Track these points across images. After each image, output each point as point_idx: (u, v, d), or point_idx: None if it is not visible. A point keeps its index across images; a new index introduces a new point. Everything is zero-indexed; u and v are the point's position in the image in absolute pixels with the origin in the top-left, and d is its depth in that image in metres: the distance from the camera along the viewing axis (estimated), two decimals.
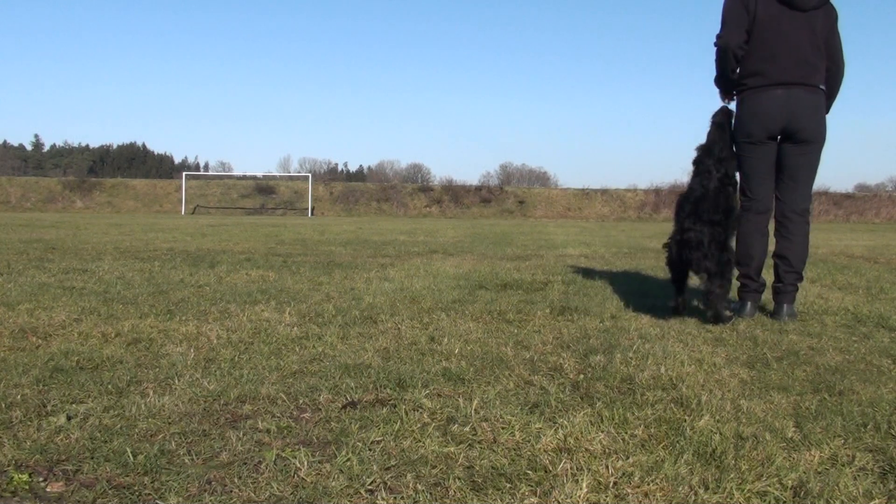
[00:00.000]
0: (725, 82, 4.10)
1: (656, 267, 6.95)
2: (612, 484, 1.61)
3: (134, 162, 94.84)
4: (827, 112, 4.07)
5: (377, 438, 1.88)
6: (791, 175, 3.96)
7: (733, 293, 4.08)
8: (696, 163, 3.93)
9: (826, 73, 3.97)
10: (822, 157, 4.01)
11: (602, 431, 1.94)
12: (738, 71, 4.04)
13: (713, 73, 4.16)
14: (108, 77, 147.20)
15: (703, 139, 4.02)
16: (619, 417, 2.04)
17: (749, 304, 4.03)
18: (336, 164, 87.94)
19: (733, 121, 4.07)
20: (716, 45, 4.00)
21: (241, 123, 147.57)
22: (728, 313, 3.72)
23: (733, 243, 3.90)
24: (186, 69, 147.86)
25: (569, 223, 28.60)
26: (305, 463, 1.70)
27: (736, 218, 3.88)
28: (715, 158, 3.84)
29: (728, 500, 1.56)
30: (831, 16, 3.96)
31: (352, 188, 43.44)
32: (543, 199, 41.67)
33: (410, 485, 1.60)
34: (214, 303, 4.08)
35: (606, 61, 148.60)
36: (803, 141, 3.90)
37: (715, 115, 4.05)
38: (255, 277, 5.47)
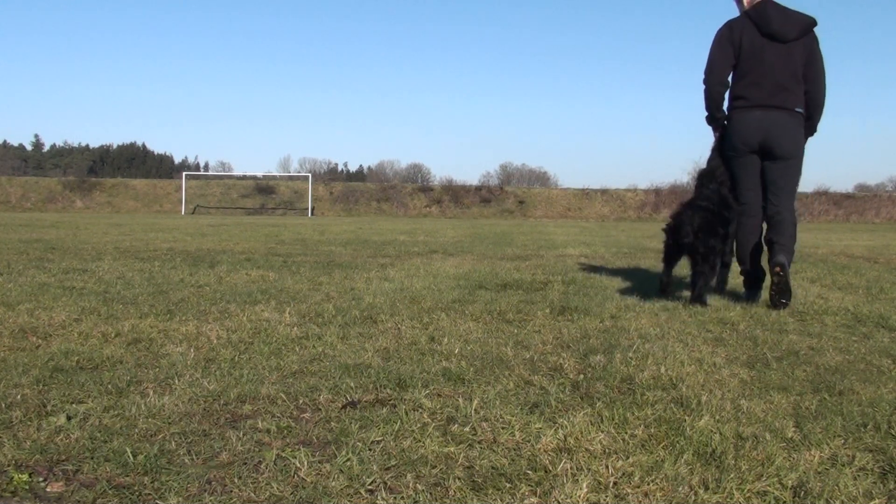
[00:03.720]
0: (714, 120, 4.63)
1: (656, 267, 6.95)
2: (612, 484, 1.61)
3: (134, 162, 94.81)
4: (814, 130, 4.57)
5: (377, 438, 1.88)
6: (774, 187, 4.45)
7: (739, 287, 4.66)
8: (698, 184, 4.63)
9: (807, 97, 4.44)
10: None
11: (602, 431, 1.94)
12: (723, 108, 4.58)
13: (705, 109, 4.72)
14: (108, 77, 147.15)
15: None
16: (619, 417, 2.04)
17: (754, 292, 4.53)
18: (336, 164, 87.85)
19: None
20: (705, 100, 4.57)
21: (241, 123, 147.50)
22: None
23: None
24: (186, 69, 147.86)
25: (569, 223, 28.60)
26: (305, 463, 1.70)
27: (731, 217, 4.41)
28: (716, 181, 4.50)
29: (728, 500, 1.56)
30: (810, 44, 4.40)
31: (352, 188, 43.45)
32: (543, 199, 41.68)
33: (410, 485, 1.60)
34: (214, 303, 4.08)
35: (606, 61, 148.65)
36: (780, 157, 4.40)
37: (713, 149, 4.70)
38: (255, 277, 5.47)
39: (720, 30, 4.51)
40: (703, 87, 4.55)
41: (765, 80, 4.35)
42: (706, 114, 4.64)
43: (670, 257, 4.43)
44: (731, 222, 4.38)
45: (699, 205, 4.34)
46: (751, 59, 4.38)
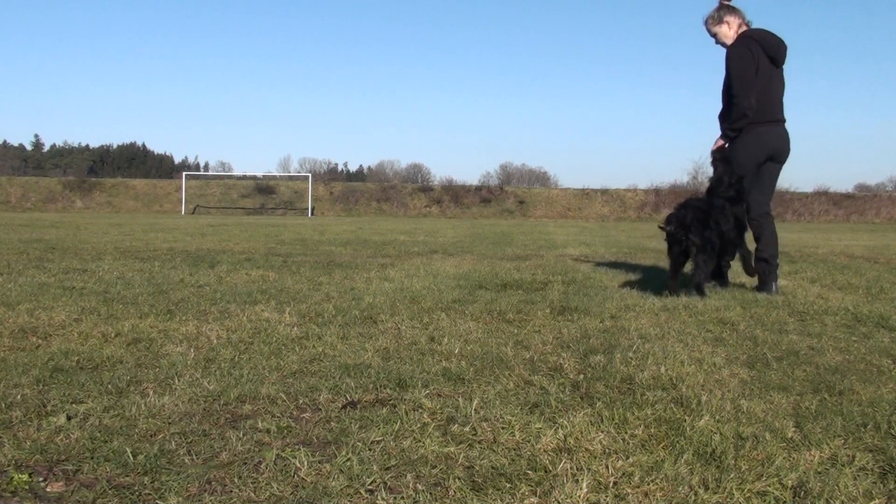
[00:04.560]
0: (737, 130, 5.05)
1: (656, 267, 6.95)
2: (612, 484, 1.61)
3: (134, 162, 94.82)
4: None
5: (377, 438, 1.88)
6: (765, 184, 5.12)
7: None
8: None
9: None
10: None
11: (602, 431, 1.94)
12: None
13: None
14: (108, 77, 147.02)
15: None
16: (619, 417, 2.04)
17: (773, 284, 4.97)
18: (336, 164, 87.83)
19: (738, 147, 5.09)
20: (743, 111, 4.92)
21: (241, 123, 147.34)
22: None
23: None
24: (186, 69, 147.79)
25: (569, 223, 28.61)
26: (305, 463, 1.70)
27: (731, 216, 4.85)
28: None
29: (728, 500, 1.56)
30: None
31: (352, 188, 43.45)
32: (543, 199, 41.67)
33: (410, 485, 1.60)
34: (214, 303, 4.08)
35: (606, 61, 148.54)
36: (780, 162, 5.14)
37: (715, 153, 5.14)
38: (255, 277, 5.47)
39: (739, 49, 4.98)
40: (735, 100, 4.92)
41: (772, 98, 5.00)
42: (731, 124, 5.00)
43: (676, 261, 4.76)
44: (728, 222, 4.81)
45: (694, 206, 4.80)
46: (763, 78, 4.95)
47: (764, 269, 4.94)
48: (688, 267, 4.80)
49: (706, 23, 5.22)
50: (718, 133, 5.25)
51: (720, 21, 5.14)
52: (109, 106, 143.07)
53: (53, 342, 2.97)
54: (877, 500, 1.57)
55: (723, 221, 4.73)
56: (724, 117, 5.21)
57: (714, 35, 5.20)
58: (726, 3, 5.18)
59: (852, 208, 39.83)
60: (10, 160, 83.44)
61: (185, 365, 2.61)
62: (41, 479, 1.62)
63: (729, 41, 5.13)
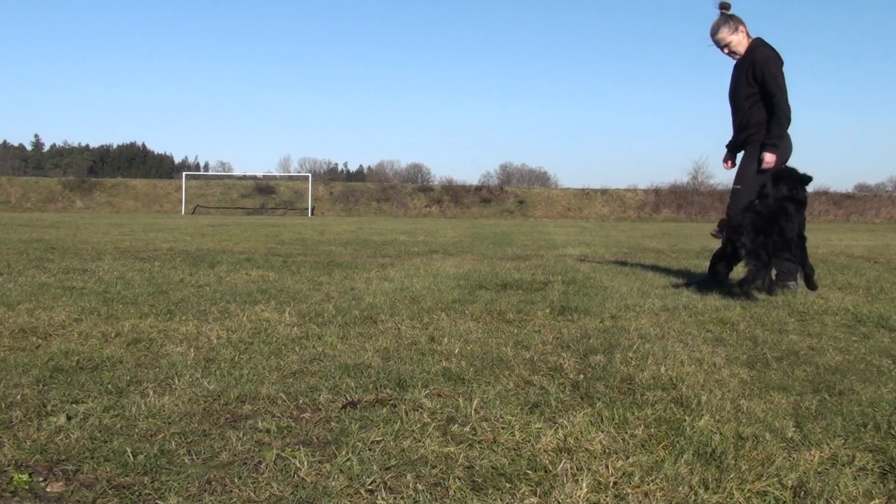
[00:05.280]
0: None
1: (656, 267, 6.95)
2: (612, 484, 1.61)
3: (134, 162, 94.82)
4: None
5: (377, 438, 1.88)
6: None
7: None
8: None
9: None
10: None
11: (602, 431, 1.94)
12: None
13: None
14: (108, 77, 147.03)
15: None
16: (619, 417, 2.04)
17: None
18: (336, 164, 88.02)
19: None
20: (789, 116, 5.00)
21: (241, 123, 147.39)
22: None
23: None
24: (186, 69, 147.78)
25: (569, 223, 28.60)
26: (305, 463, 1.70)
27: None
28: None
29: (728, 500, 1.56)
30: None
31: (352, 188, 43.45)
32: (543, 199, 41.67)
33: (410, 485, 1.60)
34: (214, 303, 4.08)
35: (606, 61, 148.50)
36: None
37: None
38: (255, 277, 5.47)
39: (775, 54, 5.00)
40: (783, 106, 4.93)
41: None
42: (780, 133, 4.99)
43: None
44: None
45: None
46: None
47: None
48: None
49: (719, 31, 5.06)
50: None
51: (736, 30, 5.03)
52: (109, 106, 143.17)
53: (53, 342, 2.97)
54: (877, 500, 1.57)
55: (788, 226, 4.64)
56: (741, 129, 5.13)
57: (728, 44, 5.06)
58: (727, 11, 5.07)
59: (852, 208, 39.83)
60: (10, 160, 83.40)
61: (185, 365, 2.61)
62: (41, 479, 1.62)
63: (742, 49, 5.05)
